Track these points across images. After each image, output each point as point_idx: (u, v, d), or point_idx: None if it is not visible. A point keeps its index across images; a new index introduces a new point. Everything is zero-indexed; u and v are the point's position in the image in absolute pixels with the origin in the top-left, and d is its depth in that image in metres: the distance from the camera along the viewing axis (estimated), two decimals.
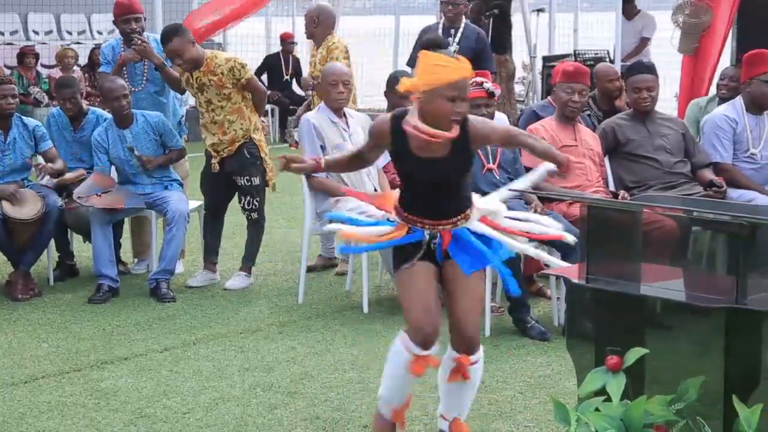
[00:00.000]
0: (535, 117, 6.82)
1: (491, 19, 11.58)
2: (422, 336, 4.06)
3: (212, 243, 7.07)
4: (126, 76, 7.11)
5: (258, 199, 6.91)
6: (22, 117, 6.97)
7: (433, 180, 4.14)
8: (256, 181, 6.89)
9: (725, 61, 9.81)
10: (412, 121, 4.08)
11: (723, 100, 7.30)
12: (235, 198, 7.02)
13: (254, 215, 6.95)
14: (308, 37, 8.06)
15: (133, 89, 7.10)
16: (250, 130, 6.87)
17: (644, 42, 12.65)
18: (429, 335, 4.07)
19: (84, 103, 7.28)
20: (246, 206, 6.92)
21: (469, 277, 4.15)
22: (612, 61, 11.36)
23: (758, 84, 6.61)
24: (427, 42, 4.09)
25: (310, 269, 7.03)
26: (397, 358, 4.12)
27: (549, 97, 7.34)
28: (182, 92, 7.18)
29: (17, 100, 6.92)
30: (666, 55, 12.32)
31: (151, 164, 6.85)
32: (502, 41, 12.27)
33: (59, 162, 6.90)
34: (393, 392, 4.19)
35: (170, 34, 6.68)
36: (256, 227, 7.01)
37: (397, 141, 4.15)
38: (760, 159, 6.68)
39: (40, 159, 7.04)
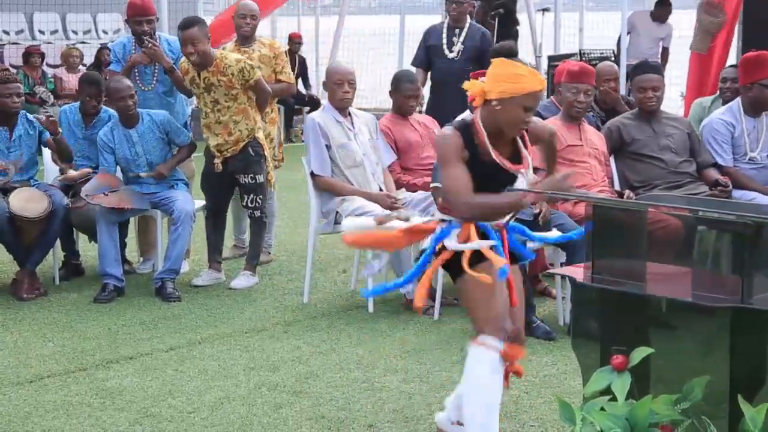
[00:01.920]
0: (539, 117, 6.80)
1: (496, 19, 11.59)
2: (504, 333, 4.02)
3: (216, 242, 7.08)
4: (137, 75, 7.13)
5: (261, 197, 6.93)
6: (27, 114, 6.98)
7: (503, 181, 4.11)
8: (261, 179, 6.91)
9: (731, 60, 9.80)
10: (483, 138, 4.04)
11: (726, 101, 7.29)
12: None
13: (257, 213, 6.96)
14: (245, 33, 7.61)
15: (143, 88, 7.11)
16: (254, 129, 6.89)
17: (666, 52, 12.60)
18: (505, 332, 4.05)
19: None
20: (249, 204, 6.93)
21: (517, 274, 4.25)
22: (617, 61, 11.35)
23: (759, 89, 6.59)
24: (502, 50, 4.10)
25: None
26: (483, 364, 3.95)
27: (552, 97, 7.34)
28: (190, 95, 7.18)
29: (23, 98, 6.94)
30: (672, 54, 12.33)
31: (165, 172, 6.86)
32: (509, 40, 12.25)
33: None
34: (490, 415, 3.93)
35: (192, 22, 6.71)
36: (259, 225, 7.02)
37: (470, 151, 4.06)
38: (761, 160, 6.67)
39: (49, 162, 7.09)
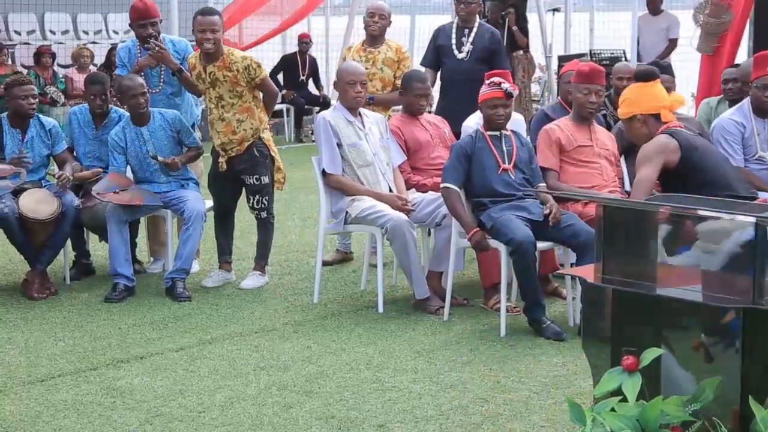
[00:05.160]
0: (547, 119, 6.80)
1: (506, 20, 11.59)
2: None
3: (224, 242, 7.08)
4: (144, 78, 7.12)
5: (267, 198, 6.91)
6: (40, 116, 7.00)
7: None
8: (266, 180, 6.89)
9: (742, 60, 9.77)
10: None
11: (731, 101, 7.28)
12: (244, 197, 7.03)
13: (263, 214, 6.95)
14: (373, 32, 7.46)
15: (150, 91, 7.11)
16: (260, 129, 6.87)
17: (673, 43, 12.58)
18: None
19: None
20: (255, 205, 6.92)
21: None
22: (628, 61, 11.33)
23: (753, 89, 6.59)
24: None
25: (326, 263, 7.13)
26: None
27: (558, 98, 7.32)
28: (199, 95, 7.19)
29: (37, 100, 6.96)
30: (683, 54, 12.29)
31: (176, 165, 6.85)
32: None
33: (68, 168, 6.91)
34: None
35: (214, 11, 6.79)
36: (266, 226, 7.01)
37: None
38: None
39: (55, 168, 7.10)
